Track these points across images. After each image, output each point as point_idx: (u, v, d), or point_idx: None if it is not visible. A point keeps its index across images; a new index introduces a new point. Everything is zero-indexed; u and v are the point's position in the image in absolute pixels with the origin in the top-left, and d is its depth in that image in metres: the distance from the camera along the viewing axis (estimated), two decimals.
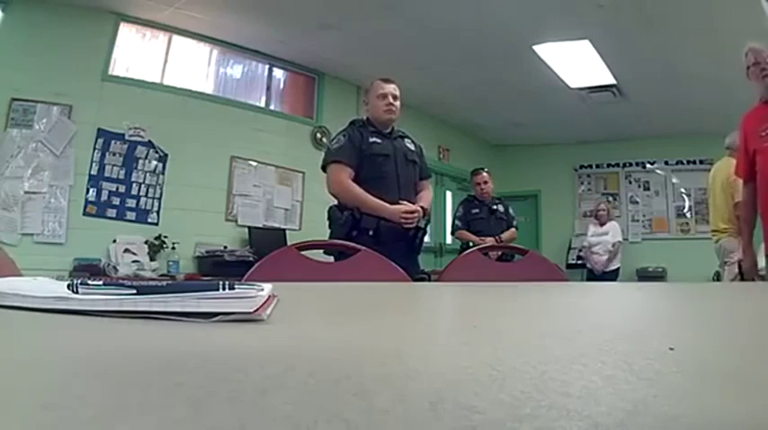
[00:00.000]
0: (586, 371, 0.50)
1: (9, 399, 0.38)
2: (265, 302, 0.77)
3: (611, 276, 10.26)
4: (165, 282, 0.77)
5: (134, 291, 0.75)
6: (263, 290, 0.77)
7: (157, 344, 0.62)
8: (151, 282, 0.78)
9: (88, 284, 0.78)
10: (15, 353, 0.56)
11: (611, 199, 12.02)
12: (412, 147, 4.49)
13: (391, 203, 4.11)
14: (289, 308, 0.86)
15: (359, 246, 2.58)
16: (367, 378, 0.46)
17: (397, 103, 4.43)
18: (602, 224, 10.59)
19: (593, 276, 10.39)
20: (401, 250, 3.95)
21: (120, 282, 0.78)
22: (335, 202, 4.25)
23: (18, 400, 0.38)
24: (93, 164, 7.10)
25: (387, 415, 0.35)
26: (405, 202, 4.16)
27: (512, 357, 0.58)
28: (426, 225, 4.34)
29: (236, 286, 0.75)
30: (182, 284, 0.76)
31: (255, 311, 0.73)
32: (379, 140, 4.30)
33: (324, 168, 4.33)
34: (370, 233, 4.00)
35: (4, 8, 6.53)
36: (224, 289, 0.74)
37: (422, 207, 4.24)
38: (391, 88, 4.43)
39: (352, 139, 4.27)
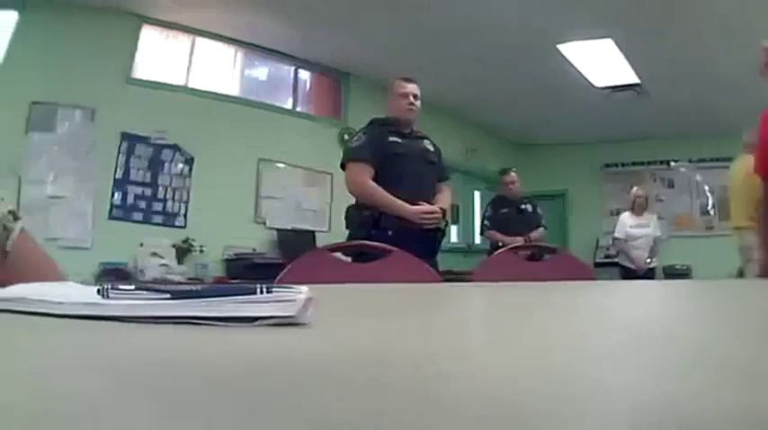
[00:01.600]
0: (630, 367, 0.51)
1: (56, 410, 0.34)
2: (305, 305, 0.72)
3: (650, 275, 8.72)
4: (199, 286, 0.74)
5: (168, 296, 0.72)
6: (301, 292, 0.73)
7: (200, 350, 0.59)
8: (185, 287, 0.74)
9: (119, 289, 0.75)
10: (54, 361, 0.52)
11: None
12: (431, 148, 4.47)
13: (410, 204, 4.08)
14: (327, 310, 0.83)
15: (391, 247, 2.56)
16: (426, 380, 0.45)
17: (418, 103, 4.41)
18: (638, 214, 8.91)
19: (633, 275, 8.59)
20: (420, 251, 3.90)
21: (153, 286, 0.74)
22: (354, 202, 4.25)
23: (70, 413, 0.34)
24: (118, 167, 7.12)
25: (451, 413, 0.35)
26: (423, 203, 4.13)
27: (555, 356, 0.58)
28: (445, 226, 4.32)
29: (273, 289, 0.71)
30: (217, 288, 0.73)
31: (298, 315, 0.70)
32: (398, 140, 4.28)
33: (343, 166, 4.31)
34: (390, 233, 3.94)
35: (21, 11, 6.54)
36: (261, 292, 0.70)
37: (441, 208, 4.21)
38: (412, 87, 4.40)
39: (372, 138, 4.25)
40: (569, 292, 1.74)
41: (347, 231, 4.24)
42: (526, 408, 0.36)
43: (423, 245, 4.02)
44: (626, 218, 8.98)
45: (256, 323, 0.68)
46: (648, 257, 8.74)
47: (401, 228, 3.99)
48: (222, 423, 0.32)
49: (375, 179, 4.14)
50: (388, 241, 3.56)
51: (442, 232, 4.26)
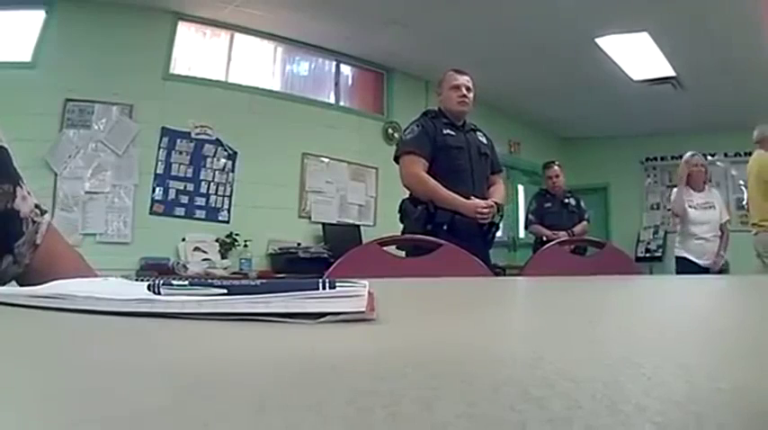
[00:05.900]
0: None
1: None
2: (370, 300, 0.68)
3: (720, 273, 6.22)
4: (257, 281, 0.69)
5: (224, 291, 0.68)
6: (365, 287, 0.68)
7: (277, 349, 0.55)
8: (243, 282, 0.70)
9: (171, 284, 0.70)
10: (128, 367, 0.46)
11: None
12: (484, 141, 4.45)
13: (465, 197, 4.08)
14: (388, 305, 0.78)
15: (441, 241, 2.53)
16: (528, 382, 0.40)
17: (471, 95, 4.39)
18: (698, 190, 6.60)
19: (695, 271, 6.25)
20: (474, 245, 3.89)
21: (209, 281, 0.70)
22: (408, 195, 4.24)
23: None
24: (159, 162, 7.17)
25: (565, 422, 0.31)
26: (478, 197, 4.14)
27: (648, 354, 0.53)
28: (500, 220, 4.33)
29: (337, 284, 0.67)
30: (277, 283, 0.68)
31: (366, 310, 0.65)
32: (452, 133, 4.27)
33: (397, 159, 4.31)
34: (445, 227, 3.96)
35: (49, 9, 6.62)
36: (324, 287, 0.66)
37: (495, 202, 4.21)
38: (464, 80, 4.39)
39: (426, 130, 4.23)
40: (634, 287, 1.74)
41: (401, 225, 4.26)
42: (666, 410, 0.33)
43: (477, 239, 4.09)
44: (682, 193, 6.64)
45: (323, 319, 0.64)
46: (721, 251, 6.57)
47: (456, 222, 4.02)
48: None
49: (429, 171, 4.14)
50: (444, 235, 3.58)
51: (496, 226, 4.27)
